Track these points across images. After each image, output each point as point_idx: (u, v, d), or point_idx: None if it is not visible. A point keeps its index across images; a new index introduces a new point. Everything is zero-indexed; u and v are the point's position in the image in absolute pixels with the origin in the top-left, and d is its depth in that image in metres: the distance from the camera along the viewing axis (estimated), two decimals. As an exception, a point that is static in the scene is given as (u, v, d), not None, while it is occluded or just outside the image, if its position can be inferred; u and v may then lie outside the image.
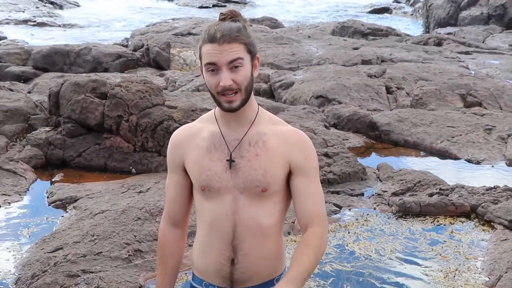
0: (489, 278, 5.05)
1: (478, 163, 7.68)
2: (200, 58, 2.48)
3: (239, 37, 2.44)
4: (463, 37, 16.63)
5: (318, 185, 2.55)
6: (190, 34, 15.38)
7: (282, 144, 2.50)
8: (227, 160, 2.48)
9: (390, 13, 24.77)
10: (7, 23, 18.00)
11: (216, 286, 2.62)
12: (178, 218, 2.71)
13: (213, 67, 2.43)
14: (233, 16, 2.48)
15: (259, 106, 2.62)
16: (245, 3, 26.77)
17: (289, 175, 2.55)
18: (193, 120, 6.86)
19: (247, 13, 22.81)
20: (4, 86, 9.25)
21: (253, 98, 2.57)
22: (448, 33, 17.57)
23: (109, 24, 19.57)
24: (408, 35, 17.40)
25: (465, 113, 9.31)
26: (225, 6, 25.66)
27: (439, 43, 15.55)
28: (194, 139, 2.59)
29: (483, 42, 16.58)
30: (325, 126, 8.56)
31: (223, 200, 2.51)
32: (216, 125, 2.57)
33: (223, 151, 2.50)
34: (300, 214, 2.51)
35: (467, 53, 14.41)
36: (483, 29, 18.30)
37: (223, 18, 2.48)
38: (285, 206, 2.63)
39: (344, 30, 16.58)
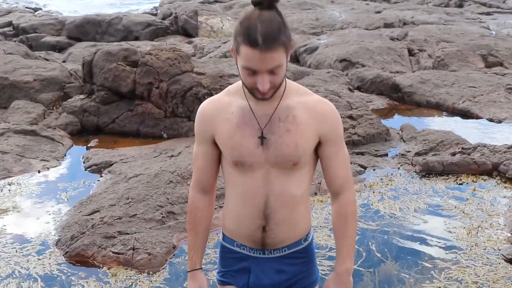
0: (511, 232, 5.14)
1: (499, 122, 7.70)
2: (237, 50, 2.43)
3: (280, 40, 2.39)
4: None
5: (345, 151, 2.67)
6: (216, 1, 15.42)
7: (311, 117, 2.58)
8: (258, 137, 2.53)
9: None
10: None
11: (248, 247, 2.77)
12: (207, 185, 2.82)
13: (252, 71, 2.42)
14: (271, 2, 2.46)
15: (286, 78, 2.64)
16: None
17: (318, 145, 2.65)
18: (221, 86, 7.38)
19: None
20: (40, 56, 9.34)
21: None
22: None
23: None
24: None
25: (486, 73, 9.32)
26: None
27: (460, 5, 15.51)
28: (223, 114, 2.63)
29: (504, 2, 16.46)
30: (349, 89, 8.59)
31: (255, 174, 2.61)
32: (245, 99, 2.59)
33: (254, 126, 2.55)
34: (331, 180, 2.64)
35: (488, 13, 14.35)
36: None
37: (260, 4, 2.42)
38: (312, 174, 2.77)
39: None
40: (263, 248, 2.74)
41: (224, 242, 2.87)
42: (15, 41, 10.85)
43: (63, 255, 4.86)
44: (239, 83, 2.63)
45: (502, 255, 4.81)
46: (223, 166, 2.76)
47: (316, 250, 3.04)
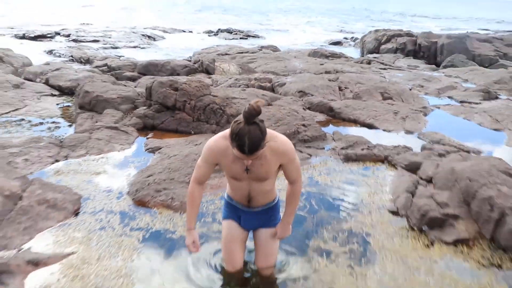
0: (392, 196, 5.69)
1: (389, 131, 8.59)
2: (230, 141, 2.94)
3: (260, 148, 2.95)
4: (382, 60, 18.47)
5: (296, 163, 3.24)
6: (226, 54, 16.99)
7: (275, 155, 3.16)
8: (244, 169, 3.19)
9: (342, 44, 28.29)
10: (124, 48, 19.97)
11: (240, 204, 3.51)
12: (202, 181, 3.41)
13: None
14: (255, 117, 2.85)
15: None
16: (258, 37, 29.21)
17: (280, 166, 3.27)
18: (227, 103, 7.89)
19: (258, 42, 24.77)
20: (121, 83, 10.12)
21: None
22: (374, 57, 19.38)
23: (182, 48, 21.58)
24: (351, 57, 19.12)
25: (382, 103, 10.36)
26: (247, 38, 28.15)
27: (369, 62, 17.28)
28: (225, 151, 3.17)
29: (393, 63, 18.54)
30: (303, 109, 9.37)
31: (243, 183, 3.30)
32: None
33: (242, 163, 3.17)
34: (289, 178, 3.26)
35: (384, 69, 16.01)
36: (393, 55, 20.71)
37: (247, 121, 2.85)
38: (275, 179, 3.34)
39: (315, 53, 18.61)
40: (248, 207, 3.45)
41: (227, 198, 3.54)
42: (108, 75, 11.78)
43: (131, 200, 5.37)
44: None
45: (387, 209, 5.46)
46: (225, 173, 3.39)
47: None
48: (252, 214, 3.47)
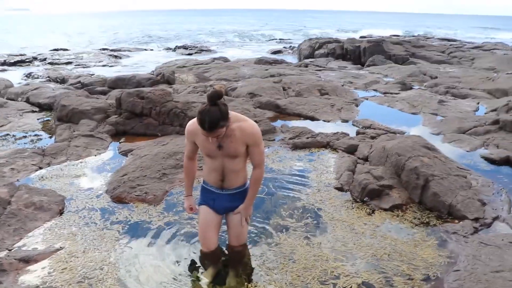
0: (336, 175, 5.68)
1: (328, 121, 8.56)
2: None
3: (219, 125, 2.90)
4: (317, 63, 18.62)
5: (261, 148, 3.13)
6: (184, 66, 16.61)
7: (243, 135, 3.05)
8: (217, 146, 3.08)
9: (282, 52, 28.23)
10: (94, 67, 19.46)
11: (214, 187, 3.34)
12: (191, 156, 3.33)
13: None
14: (217, 99, 2.85)
15: (230, 113, 3.03)
16: (210, 51, 29.01)
17: (247, 147, 3.14)
18: (188, 108, 7.65)
19: (211, 55, 24.36)
20: (94, 97, 9.85)
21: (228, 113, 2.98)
22: (310, 61, 19.49)
23: (145, 64, 21.10)
24: (291, 62, 19.21)
25: (320, 98, 10.36)
26: (200, 52, 27.83)
27: (306, 66, 17.32)
28: (198, 131, 3.06)
29: (326, 65, 18.52)
30: (254, 107, 9.30)
31: (217, 160, 3.16)
32: None
33: (214, 140, 3.04)
34: (253, 161, 3.12)
35: (319, 70, 16.04)
36: (325, 59, 20.81)
37: (210, 102, 2.86)
38: (246, 160, 3.24)
39: (260, 61, 18.48)
40: (222, 188, 3.28)
41: (204, 184, 3.39)
42: (81, 90, 11.29)
43: (109, 197, 5.17)
44: None
45: (333, 186, 5.43)
46: (201, 151, 3.26)
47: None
48: (224, 197, 3.36)
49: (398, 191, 5.00)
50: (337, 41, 22.87)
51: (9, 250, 3.98)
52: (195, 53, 27.82)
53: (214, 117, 2.81)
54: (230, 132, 3.04)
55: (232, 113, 3.02)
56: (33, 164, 6.20)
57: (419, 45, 22.57)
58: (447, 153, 6.04)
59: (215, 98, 2.81)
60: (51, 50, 26.67)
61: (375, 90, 12.18)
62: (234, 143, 3.07)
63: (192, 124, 3.16)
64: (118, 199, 5.09)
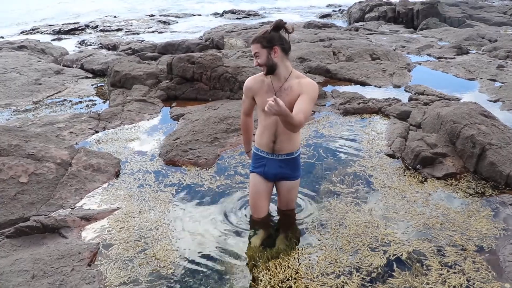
0: (388, 142, 5.58)
1: (380, 87, 8.38)
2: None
3: (258, 40, 2.98)
4: (368, 27, 17.92)
5: (310, 102, 2.99)
6: (233, 31, 16.48)
7: (299, 86, 3.03)
8: (274, 96, 2.89)
9: (331, 16, 27.46)
10: (144, 33, 19.65)
11: (265, 152, 3.34)
12: (248, 113, 3.37)
13: (254, 55, 3.03)
14: (279, 28, 2.99)
15: (292, 69, 3.10)
16: (259, 15, 28.49)
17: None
18: (239, 72, 7.78)
19: (259, 20, 24.31)
20: (145, 62, 9.97)
21: (287, 66, 3.10)
22: (360, 25, 18.81)
23: (193, 29, 21.15)
24: (341, 26, 18.61)
25: (372, 63, 10.12)
26: (248, 17, 27.52)
27: (356, 30, 16.87)
28: (260, 84, 3.16)
29: (377, 29, 18.00)
30: (304, 72, 8.85)
31: (271, 116, 3.12)
32: (270, 79, 3.15)
33: (273, 92, 3.09)
34: (295, 109, 2.95)
35: (370, 34, 15.60)
36: (376, 23, 20.15)
37: (273, 27, 3.00)
38: None
39: (309, 25, 18.04)
40: (272, 152, 3.28)
41: (254, 150, 3.41)
42: (133, 56, 11.54)
43: (163, 160, 5.26)
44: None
45: (384, 153, 5.34)
46: (257, 109, 3.25)
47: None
48: (275, 162, 3.35)
49: (452, 160, 4.88)
50: (388, 3, 21.96)
51: (71, 208, 4.18)
52: (243, 17, 27.58)
53: (263, 34, 2.99)
54: (288, 85, 3.07)
55: (295, 71, 3.11)
56: (90, 128, 6.40)
57: (477, 6, 21.25)
58: (506, 121, 5.83)
59: (278, 28, 3.01)
60: (105, 16, 27.11)
61: (428, 54, 11.83)
62: (290, 96, 3.06)
63: (252, 79, 3.23)
64: (171, 162, 5.19)
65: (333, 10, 30.65)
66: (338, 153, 5.34)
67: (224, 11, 31.78)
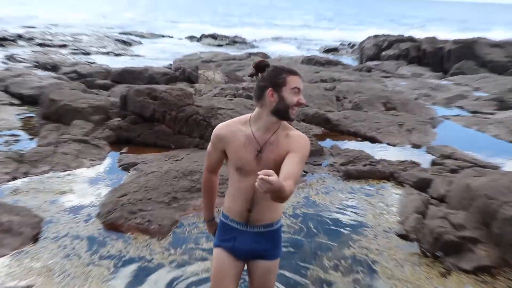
0: (400, 218, 5.57)
1: (394, 145, 8.51)
2: (279, 84, 3.05)
3: (263, 70, 3.10)
4: (384, 68, 18.61)
5: (299, 163, 3.03)
6: (211, 61, 16.67)
7: (288, 142, 3.06)
8: (257, 150, 3.04)
9: (338, 51, 28.28)
10: (96, 54, 19.64)
11: (237, 221, 3.28)
12: (214, 169, 3.37)
13: (298, 90, 3.04)
14: (263, 67, 3.15)
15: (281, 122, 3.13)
16: (246, 43, 29.46)
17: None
18: (212, 114, 7.83)
19: (247, 50, 25.07)
20: (93, 91, 9.93)
21: None
22: (375, 65, 19.58)
23: (160, 55, 21.43)
24: (349, 65, 19.21)
25: (385, 114, 10.27)
26: (233, 44, 28.18)
27: (369, 70, 17.33)
28: (235, 135, 3.13)
29: (395, 71, 18.60)
30: (298, 121, 9.22)
31: (249, 177, 3.09)
32: (250, 129, 3.11)
33: (254, 146, 3.05)
34: (284, 172, 2.96)
35: (386, 77, 15.98)
36: (395, 63, 20.76)
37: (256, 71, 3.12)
38: None
39: (309, 61, 18.51)
40: (246, 223, 3.20)
41: (222, 218, 3.32)
42: (77, 82, 11.65)
43: (101, 224, 5.17)
44: (246, 117, 3.12)
45: (395, 232, 5.31)
46: (229, 167, 3.21)
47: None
48: (249, 235, 3.29)
49: (485, 248, 4.85)
50: (411, 39, 22.70)
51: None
52: (227, 44, 28.12)
53: (262, 62, 3.13)
54: (274, 139, 3.08)
55: (283, 122, 3.13)
56: (5, 173, 6.36)
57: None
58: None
59: (262, 67, 3.06)
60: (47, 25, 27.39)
61: (460, 107, 12.15)
62: (275, 153, 3.06)
63: (225, 127, 3.18)
64: (113, 227, 5.16)
65: (341, 44, 31.48)
66: (333, 229, 5.37)
67: (202, 35, 32.55)
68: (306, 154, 3.04)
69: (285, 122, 3.10)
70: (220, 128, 3.19)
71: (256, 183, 2.59)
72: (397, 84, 14.69)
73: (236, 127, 3.17)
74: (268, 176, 2.58)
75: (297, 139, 3.08)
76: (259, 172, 2.64)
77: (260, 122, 3.05)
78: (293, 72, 3.05)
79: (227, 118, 7.91)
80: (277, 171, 2.92)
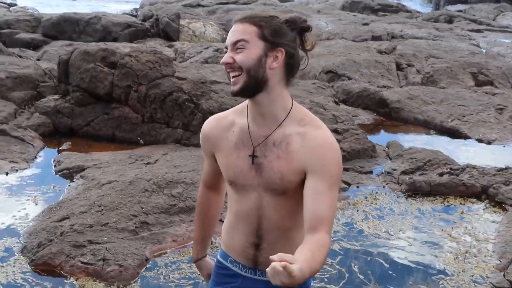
0: (500, 261, 4.98)
1: (489, 143, 7.59)
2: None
3: (256, 20, 2.32)
4: (474, 15, 16.38)
5: (333, 191, 2.31)
6: (199, 5, 15.21)
7: (303, 148, 2.31)
8: (249, 155, 2.38)
9: None
10: None
11: (240, 264, 2.64)
12: (213, 184, 2.80)
13: (226, 48, 2.42)
14: (289, 22, 2.37)
15: (294, 106, 2.42)
16: None
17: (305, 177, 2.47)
18: (202, 92, 7.25)
19: None
20: (13, 53, 9.14)
21: (284, 96, 2.41)
22: (459, 11, 17.16)
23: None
24: (418, 11, 17.00)
25: (476, 92, 9.17)
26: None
27: (449, 20, 15.25)
28: (225, 133, 2.51)
29: (494, 20, 16.23)
30: (335, 102, 8.48)
31: (248, 195, 2.48)
32: (246, 119, 2.46)
33: (248, 145, 2.42)
34: (309, 215, 2.25)
35: (478, 31, 14.07)
36: (494, 7, 18.02)
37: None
38: (301, 206, 2.53)
39: (354, 5, 16.20)
40: (255, 268, 2.58)
41: (220, 257, 2.75)
42: None
43: (28, 263, 4.65)
44: (245, 102, 2.51)
45: (491, 283, 4.70)
46: (226, 181, 2.78)
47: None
48: (258, 285, 2.56)
49: None
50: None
51: None
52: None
53: (265, 13, 2.35)
54: (281, 136, 2.36)
55: (297, 109, 2.41)
56: None
57: None
58: None
59: (292, 21, 2.29)
60: None
61: None
62: (285, 161, 2.35)
63: (214, 121, 2.61)
64: (47, 268, 4.49)
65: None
66: (391, 275, 4.65)
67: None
68: (338, 174, 2.38)
69: (298, 107, 2.43)
70: (207, 123, 2.61)
71: (268, 273, 1.92)
72: (496, 42, 13.07)
73: (230, 119, 2.52)
74: (285, 262, 1.86)
75: (319, 147, 2.29)
76: (271, 257, 1.91)
77: (258, 105, 2.35)
78: (238, 18, 2.40)
79: (225, 98, 7.28)
80: (286, 184, 2.33)
